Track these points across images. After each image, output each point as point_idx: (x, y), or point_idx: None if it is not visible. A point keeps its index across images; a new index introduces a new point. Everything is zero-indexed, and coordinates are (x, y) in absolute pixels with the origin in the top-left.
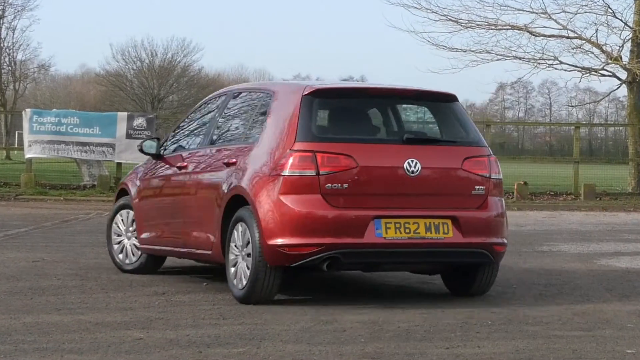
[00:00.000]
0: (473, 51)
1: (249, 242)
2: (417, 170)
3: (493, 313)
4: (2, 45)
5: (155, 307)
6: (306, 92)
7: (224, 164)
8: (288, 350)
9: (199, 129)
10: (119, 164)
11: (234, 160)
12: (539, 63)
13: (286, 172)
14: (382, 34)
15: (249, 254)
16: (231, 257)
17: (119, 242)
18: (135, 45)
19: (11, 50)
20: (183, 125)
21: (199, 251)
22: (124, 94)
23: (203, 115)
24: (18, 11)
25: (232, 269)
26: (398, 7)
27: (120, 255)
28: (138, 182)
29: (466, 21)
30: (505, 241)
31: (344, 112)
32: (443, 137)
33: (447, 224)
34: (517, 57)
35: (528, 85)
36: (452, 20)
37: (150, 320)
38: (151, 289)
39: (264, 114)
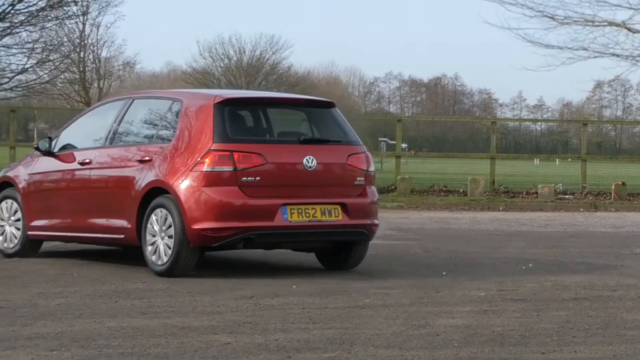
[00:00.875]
0: (569, 48)
1: (170, 226)
2: (313, 166)
3: (590, 317)
4: (86, 42)
5: (243, 311)
6: (217, 101)
7: (138, 161)
8: (380, 354)
9: (95, 131)
10: None
11: (149, 158)
12: (637, 60)
13: (208, 168)
14: (476, 30)
15: (171, 235)
16: (148, 238)
17: (1, 228)
18: (222, 42)
19: (95, 47)
20: (74, 126)
21: (108, 235)
22: None
23: (98, 118)
24: (102, 7)
25: (150, 248)
26: (492, 3)
27: (1, 238)
28: (27, 176)
29: (562, 17)
30: (377, 222)
31: (249, 117)
32: (330, 137)
33: (337, 209)
34: (614, 54)
35: (626, 83)
36: (548, 17)
37: (238, 325)
38: (239, 293)
39: (174, 119)
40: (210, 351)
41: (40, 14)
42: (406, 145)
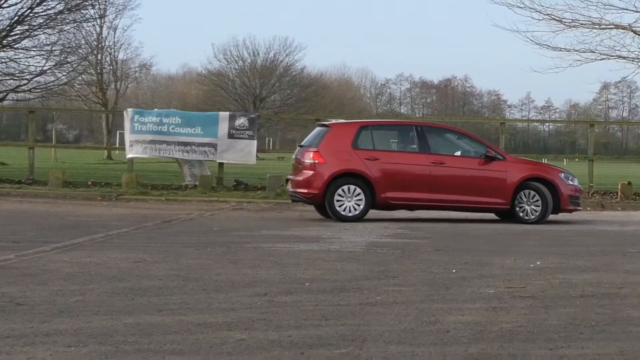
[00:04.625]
0: (577, 50)
1: None
2: None
3: (597, 314)
4: (103, 44)
5: (257, 307)
6: None
7: None
8: (391, 351)
9: None
10: (220, 164)
11: None
12: None
13: None
14: (485, 33)
15: None
16: None
17: None
18: (237, 45)
19: (112, 50)
20: None
21: None
22: (226, 94)
23: None
24: (119, 10)
25: None
26: (502, 7)
27: None
28: None
29: (570, 20)
30: None
31: None
32: None
33: None
34: (621, 57)
35: (632, 84)
36: (556, 20)
37: (253, 321)
38: (253, 290)
39: None
40: (225, 347)
41: (58, 17)
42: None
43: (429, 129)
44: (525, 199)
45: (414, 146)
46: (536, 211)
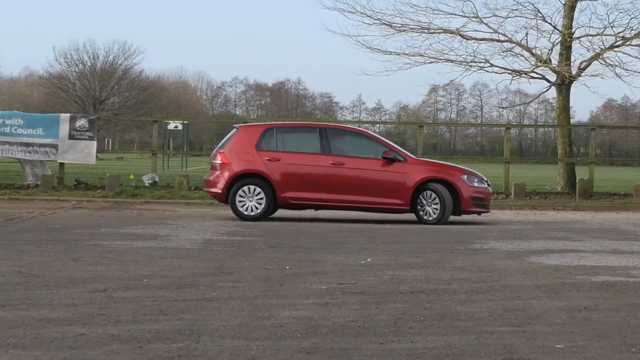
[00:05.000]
0: (406, 54)
1: None
2: None
3: (426, 309)
4: None
5: (97, 303)
6: None
7: None
8: (226, 345)
9: None
10: (61, 164)
11: None
12: (470, 66)
13: None
14: (319, 37)
15: None
16: None
17: None
18: (77, 49)
19: None
20: None
21: None
22: (67, 96)
23: None
24: None
25: None
26: (334, 12)
27: None
28: None
29: (399, 25)
30: None
31: None
32: None
33: None
34: (449, 60)
35: (460, 87)
36: (386, 24)
37: (92, 316)
38: (93, 286)
39: None
40: (66, 341)
41: None
42: None
43: (333, 131)
44: (425, 200)
45: (316, 147)
46: (435, 212)
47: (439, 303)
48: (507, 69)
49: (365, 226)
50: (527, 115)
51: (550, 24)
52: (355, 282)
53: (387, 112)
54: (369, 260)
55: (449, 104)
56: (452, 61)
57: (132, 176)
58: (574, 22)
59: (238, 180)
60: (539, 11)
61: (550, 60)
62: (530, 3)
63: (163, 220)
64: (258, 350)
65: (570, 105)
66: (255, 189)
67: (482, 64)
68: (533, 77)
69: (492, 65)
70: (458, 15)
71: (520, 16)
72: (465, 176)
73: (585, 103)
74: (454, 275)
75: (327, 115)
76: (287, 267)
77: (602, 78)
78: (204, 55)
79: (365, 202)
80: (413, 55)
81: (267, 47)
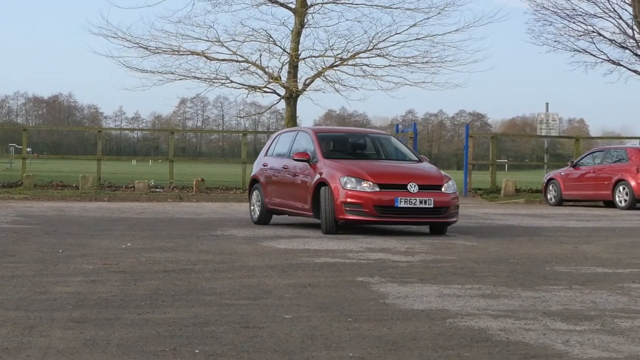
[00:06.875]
0: (160, 72)
1: None
2: None
3: (176, 285)
4: None
5: None
6: None
7: None
8: (9, 315)
9: None
10: None
11: None
12: (213, 82)
13: None
14: (87, 57)
15: None
16: None
17: None
18: None
19: None
20: None
21: None
22: None
23: None
24: None
25: None
26: (99, 37)
27: None
28: None
29: (154, 48)
30: None
31: None
32: None
33: None
34: (195, 77)
35: (205, 100)
36: (143, 47)
37: None
38: None
39: None
40: None
41: None
42: (30, 149)
43: None
44: None
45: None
46: None
47: (187, 280)
48: (244, 85)
49: (126, 216)
50: (261, 124)
51: (280, 47)
52: (117, 263)
53: (144, 120)
54: (128, 244)
55: (195, 114)
56: (198, 78)
57: None
58: (300, 46)
59: None
60: (270, 36)
61: (280, 78)
62: (264, 29)
63: None
64: (36, 320)
65: (297, 115)
66: None
67: (223, 81)
68: (266, 92)
69: (231, 81)
70: (203, 39)
71: (255, 40)
72: None
73: (310, 113)
74: (200, 257)
75: (93, 123)
76: (60, 251)
77: (324, 92)
78: None
79: None
80: (165, 73)
81: (44, 65)
